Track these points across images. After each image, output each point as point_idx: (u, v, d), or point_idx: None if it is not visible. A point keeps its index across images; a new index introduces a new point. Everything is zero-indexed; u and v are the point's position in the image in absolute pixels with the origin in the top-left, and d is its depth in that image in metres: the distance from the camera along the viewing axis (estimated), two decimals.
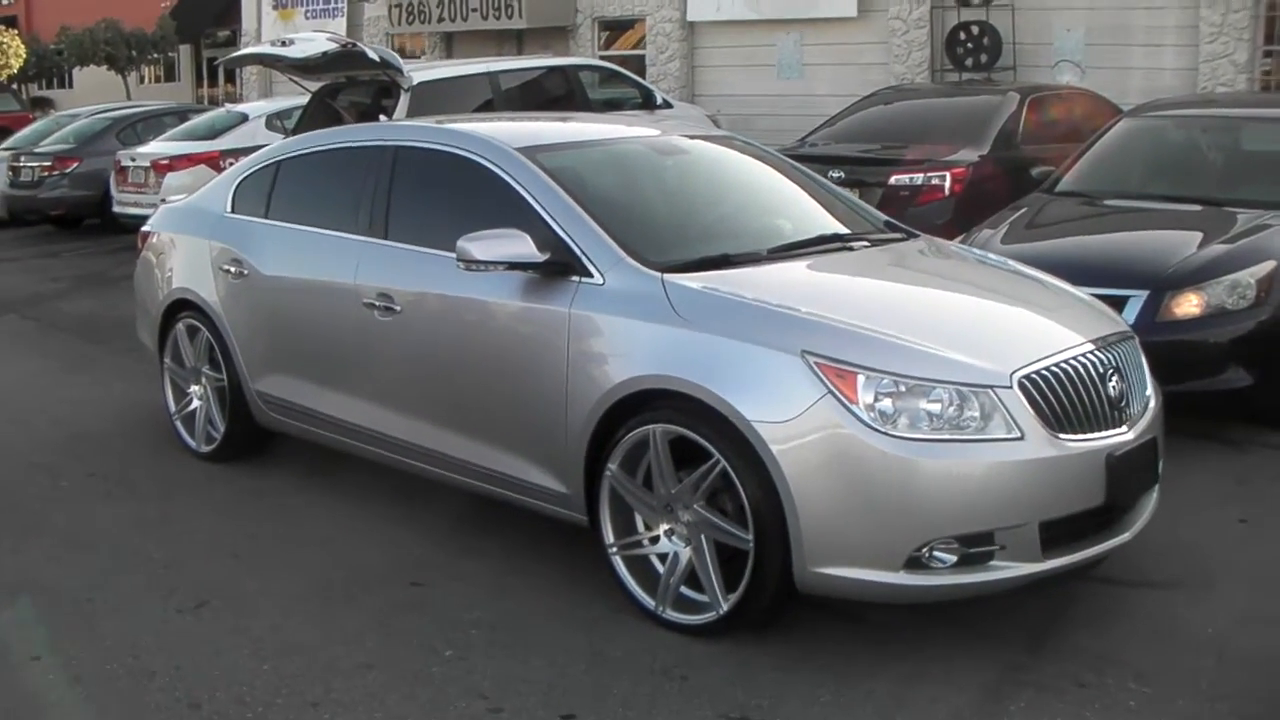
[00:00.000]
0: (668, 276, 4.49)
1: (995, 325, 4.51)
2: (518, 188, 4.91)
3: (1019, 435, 4.04)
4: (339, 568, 4.95)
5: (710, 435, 4.18)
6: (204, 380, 6.20)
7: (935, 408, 4.01)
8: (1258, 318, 6.35)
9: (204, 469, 6.13)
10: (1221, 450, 6.26)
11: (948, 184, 9.22)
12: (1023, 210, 7.60)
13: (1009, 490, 4.03)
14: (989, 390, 4.04)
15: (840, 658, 4.21)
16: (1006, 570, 4.08)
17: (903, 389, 4.02)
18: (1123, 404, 4.42)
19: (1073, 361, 4.28)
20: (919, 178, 9.27)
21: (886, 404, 4.00)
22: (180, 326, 6.28)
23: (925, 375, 4.03)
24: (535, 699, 3.94)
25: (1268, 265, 6.45)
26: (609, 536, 4.57)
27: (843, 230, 5.26)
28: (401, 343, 5.16)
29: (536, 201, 4.81)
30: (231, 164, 8.09)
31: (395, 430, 5.26)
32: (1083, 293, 5.07)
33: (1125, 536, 4.40)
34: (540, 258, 4.63)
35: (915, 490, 3.96)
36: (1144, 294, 6.27)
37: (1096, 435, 4.24)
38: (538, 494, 4.80)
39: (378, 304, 5.20)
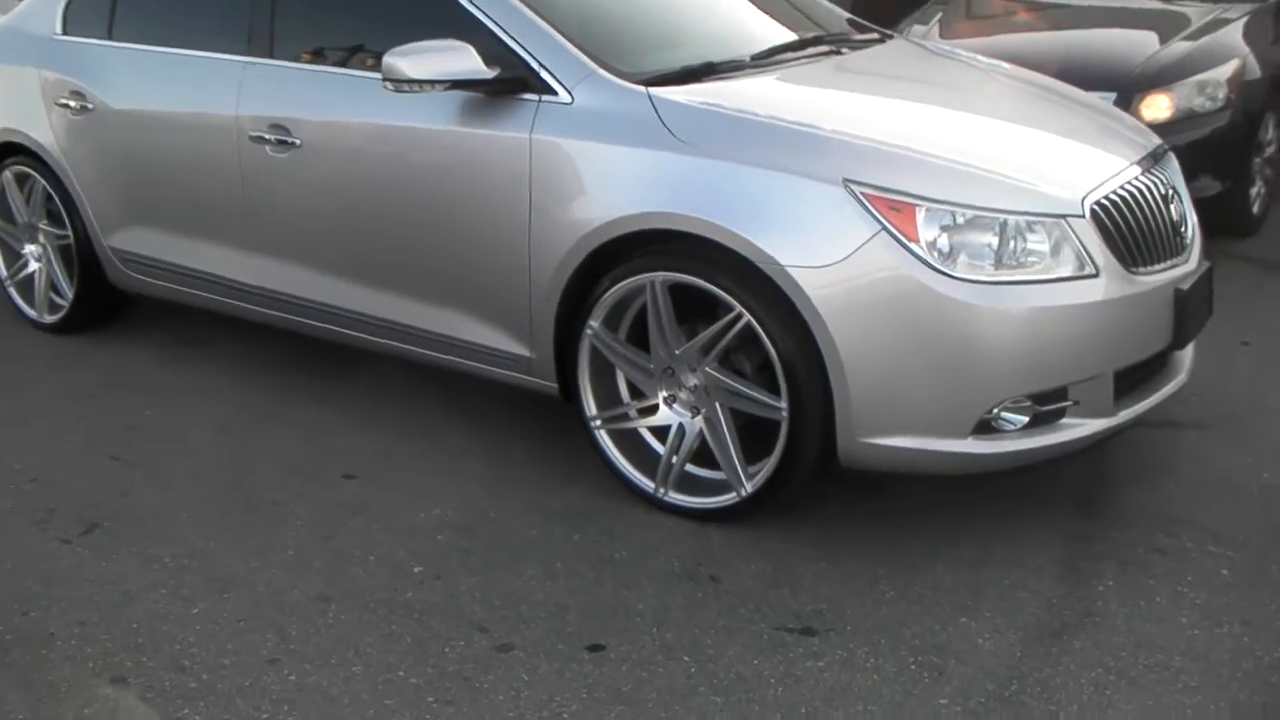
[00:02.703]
0: (655, 91, 3.64)
1: (1044, 144, 3.81)
2: None
3: (1094, 272, 3.38)
4: (250, 462, 4.06)
5: (730, 285, 3.42)
6: (43, 238, 5.11)
7: (997, 243, 3.31)
8: (1228, 121, 5.84)
9: (50, 346, 5.09)
10: None
11: None
12: (950, 1, 6.96)
13: (1085, 337, 3.39)
14: (1061, 220, 3.36)
15: (885, 544, 3.57)
16: (1078, 428, 3.47)
17: (961, 222, 3.30)
18: (1182, 229, 3.81)
19: (1135, 183, 3.63)
20: None
21: (945, 241, 3.29)
22: (7, 175, 5.14)
23: (995, 206, 3.32)
24: (544, 626, 3.19)
25: (1233, 63, 5.95)
26: (590, 407, 3.81)
27: (823, 31, 4.46)
28: (303, 184, 4.20)
29: (477, 6, 3.86)
30: None
31: (298, 289, 4.34)
32: (1100, 100, 4.42)
33: (1182, 378, 3.85)
34: (489, 73, 3.72)
35: (989, 342, 3.28)
36: (1110, 97, 5.67)
37: (1165, 267, 3.63)
38: (493, 359, 3.99)
39: (269, 137, 4.22)
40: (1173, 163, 4.03)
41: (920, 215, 3.27)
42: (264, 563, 3.47)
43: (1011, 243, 3.31)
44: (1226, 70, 5.87)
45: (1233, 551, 3.51)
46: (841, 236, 3.29)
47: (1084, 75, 5.70)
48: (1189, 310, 3.67)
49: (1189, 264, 3.76)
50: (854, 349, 3.30)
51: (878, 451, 3.39)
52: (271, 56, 4.28)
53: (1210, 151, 5.78)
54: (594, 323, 3.69)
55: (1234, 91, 5.85)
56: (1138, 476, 3.94)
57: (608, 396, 3.83)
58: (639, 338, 3.72)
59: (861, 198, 3.28)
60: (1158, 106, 5.74)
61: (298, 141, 4.15)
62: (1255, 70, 6.05)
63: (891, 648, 3.10)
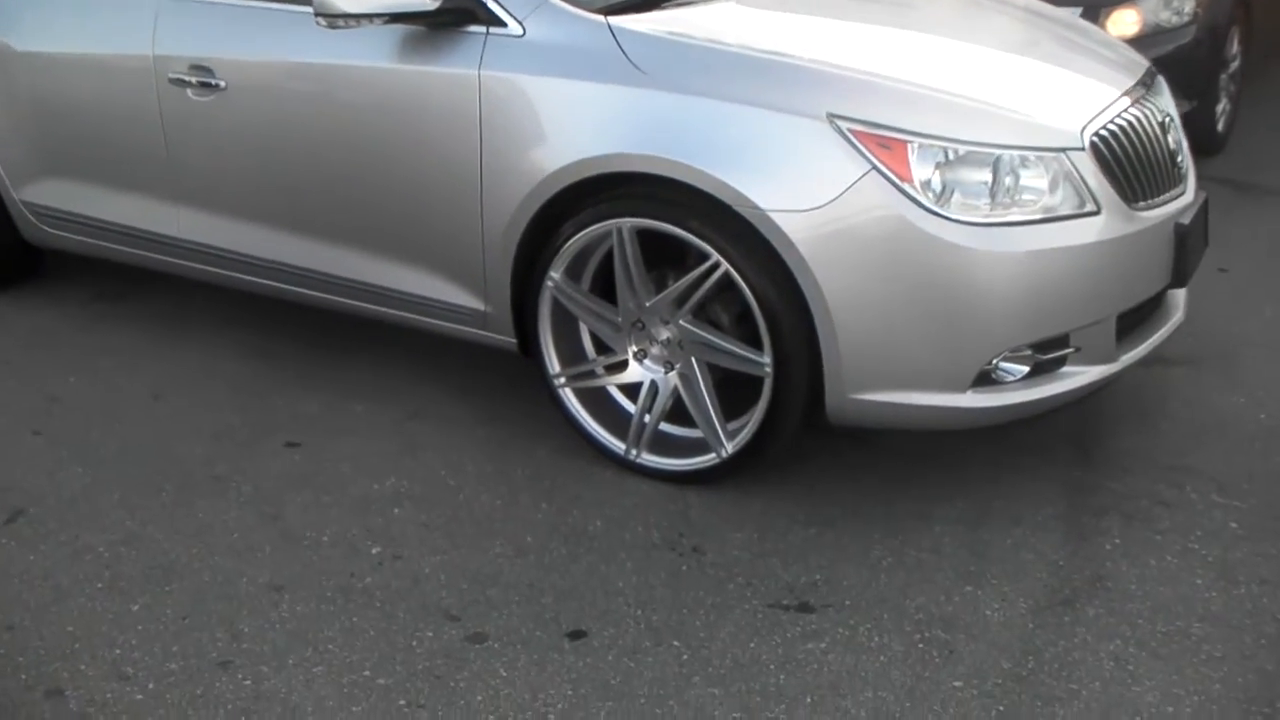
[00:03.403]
0: (615, 20, 3.33)
1: (1035, 72, 3.54)
2: None
3: (1095, 209, 3.14)
4: (184, 432, 3.75)
5: (706, 232, 3.15)
6: None
7: (992, 180, 3.06)
8: (1194, 36, 5.62)
9: None
10: None
11: None
12: None
13: (1088, 280, 3.15)
14: (1061, 154, 3.11)
15: (875, 503, 3.34)
16: (1079, 376, 3.25)
17: (952, 159, 3.04)
18: (1179, 158, 3.58)
19: (1131, 111, 3.38)
20: None
21: (938, 179, 3.04)
22: None
23: (992, 140, 3.06)
24: (519, 611, 2.94)
25: None
26: (552, 364, 3.54)
27: None
28: (229, 129, 3.85)
29: None
30: None
31: (228, 242, 4.00)
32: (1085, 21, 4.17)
33: (1179, 316, 3.64)
34: (431, 4, 3.38)
35: (989, 288, 3.04)
36: (1076, 11, 5.41)
37: (1165, 200, 3.40)
38: (444, 313, 3.69)
39: (190, 79, 3.85)
40: (1164, 87, 3.79)
41: (913, 152, 3.01)
42: (207, 548, 3.18)
43: (1007, 179, 3.06)
44: None
45: (1239, 501, 3.34)
46: (827, 177, 3.02)
47: None
48: (1189, 246, 3.45)
49: (1187, 195, 3.54)
50: (843, 299, 3.04)
51: (870, 408, 3.15)
52: None
53: (1177, 68, 5.51)
54: (555, 274, 3.41)
55: (1200, 5, 5.63)
56: (1130, 418, 3.75)
57: (571, 352, 3.56)
58: (604, 288, 3.44)
59: (848, 134, 3.01)
60: (1124, 22, 5.51)
61: (222, 84, 3.79)
62: None
63: (895, 623, 2.88)
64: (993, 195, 3.05)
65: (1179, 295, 3.66)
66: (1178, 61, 5.56)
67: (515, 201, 3.38)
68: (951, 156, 3.03)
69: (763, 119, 3.07)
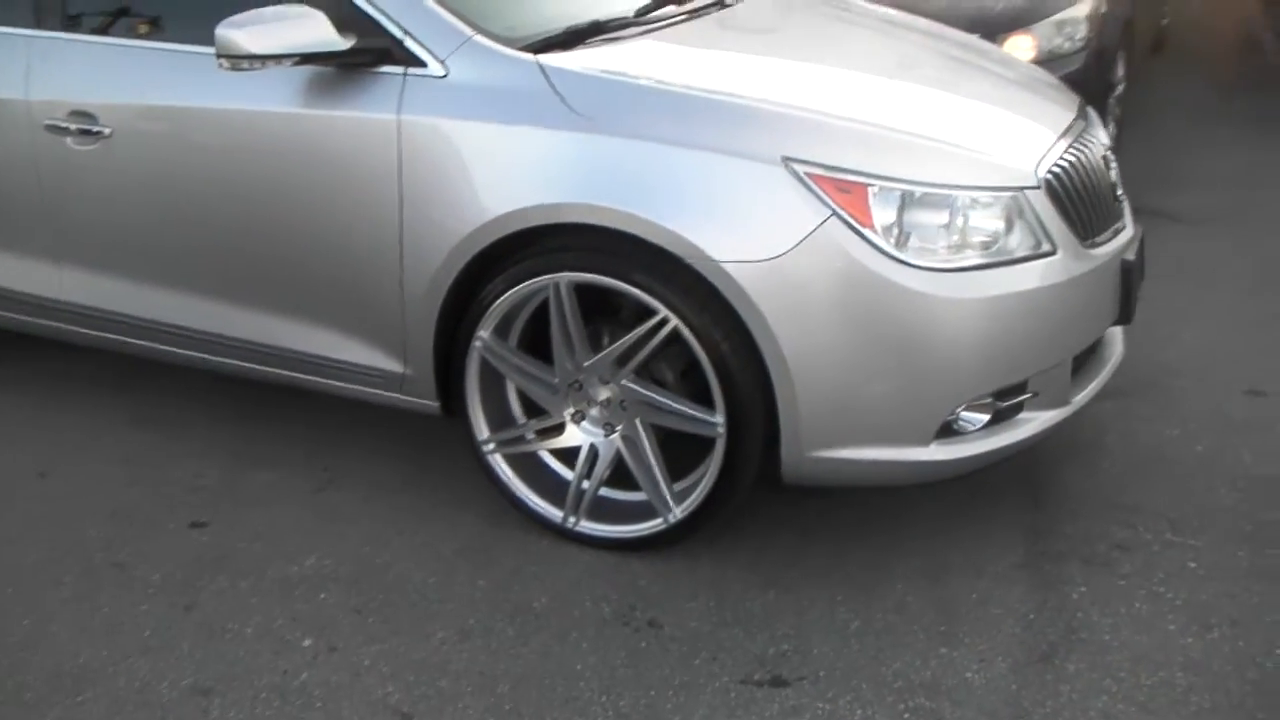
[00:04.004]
0: (545, 58, 3.13)
1: (980, 109, 3.43)
2: None
3: (1051, 249, 3.04)
4: (79, 513, 3.43)
5: (652, 286, 2.97)
6: None
7: (946, 222, 2.94)
8: (1083, 61, 5.64)
9: None
10: None
11: None
12: None
13: (1048, 323, 3.05)
14: (1019, 193, 3.00)
15: (831, 560, 3.20)
16: (1035, 422, 3.15)
17: (909, 202, 2.91)
18: (1118, 191, 3.52)
19: (1076, 147, 3.30)
20: None
21: (895, 223, 2.90)
22: None
23: (950, 181, 2.93)
24: (475, 704, 2.71)
25: (1089, 1, 5.73)
26: (481, 429, 3.31)
27: None
28: (115, 180, 3.54)
29: None
30: None
31: (118, 304, 3.69)
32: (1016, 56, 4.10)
33: (1120, 350, 3.57)
34: (343, 44, 3.15)
35: (956, 336, 2.91)
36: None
37: (1110, 236, 3.33)
38: (356, 376, 3.45)
39: (69, 126, 3.54)
40: (1096, 119, 3.73)
41: (873, 196, 2.87)
42: (118, 649, 2.88)
43: (960, 220, 2.94)
44: (1084, 8, 5.66)
45: (1193, 539, 3.27)
46: (784, 225, 2.86)
47: (949, 16, 5.44)
48: (1134, 281, 3.38)
49: (1128, 229, 3.47)
50: (802, 352, 2.89)
51: (829, 465, 3.00)
52: (65, 29, 3.59)
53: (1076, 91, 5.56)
54: (483, 333, 3.19)
55: (1092, 30, 5.65)
56: (1069, 455, 3.68)
57: (498, 414, 3.34)
58: (530, 344, 3.24)
59: (805, 178, 2.86)
60: (1020, 48, 5.49)
61: (106, 130, 3.49)
62: (1105, 6, 5.86)
63: (876, 693, 2.72)
64: (949, 237, 2.93)
65: (1117, 331, 3.59)
66: (1070, 85, 5.56)
67: (439, 257, 3.15)
68: (910, 200, 2.90)
69: (713, 164, 2.90)
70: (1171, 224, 5.63)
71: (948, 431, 3.00)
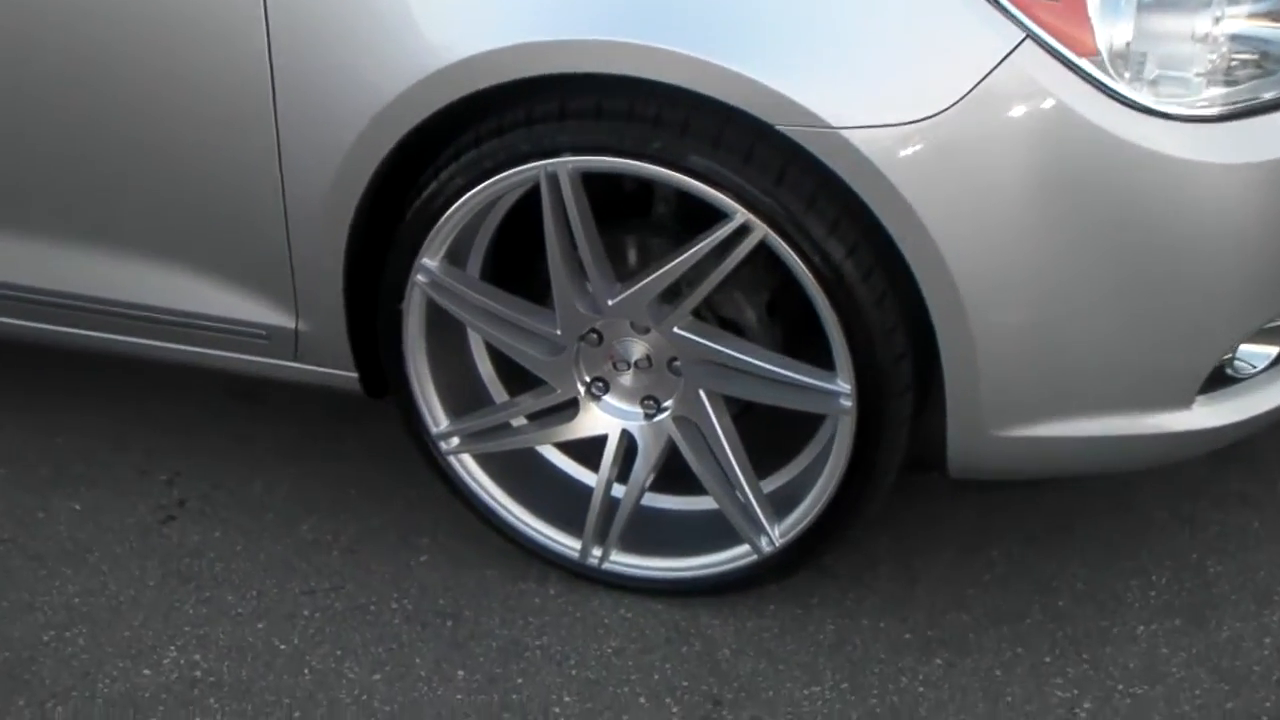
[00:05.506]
0: None
1: None
2: None
3: None
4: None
5: (724, 174, 1.75)
6: None
7: (1205, 33, 1.73)
8: None
9: None
10: None
11: None
12: None
13: None
14: None
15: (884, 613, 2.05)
16: None
17: (1148, 3, 1.71)
18: None
19: None
20: None
21: (1129, 43, 1.70)
22: None
23: None
24: None
25: None
26: (434, 416, 2.09)
27: None
28: None
29: None
30: None
31: None
32: None
33: None
34: None
35: (1241, 226, 1.74)
36: None
37: None
38: (226, 338, 2.19)
39: None
40: None
41: (1094, 4, 1.66)
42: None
43: (1224, 30, 1.75)
44: None
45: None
46: (950, 61, 1.66)
47: None
48: None
49: None
50: (980, 271, 1.71)
51: (1027, 449, 1.85)
52: None
53: None
54: (428, 260, 1.95)
55: None
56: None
57: (460, 389, 2.12)
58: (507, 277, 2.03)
59: None
60: None
61: None
62: None
63: None
64: (1211, 66, 1.73)
65: None
66: None
67: (346, 138, 1.88)
68: (1144, 6, 1.70)
69: None
70: None
71: (1218, 380, 1.84)
